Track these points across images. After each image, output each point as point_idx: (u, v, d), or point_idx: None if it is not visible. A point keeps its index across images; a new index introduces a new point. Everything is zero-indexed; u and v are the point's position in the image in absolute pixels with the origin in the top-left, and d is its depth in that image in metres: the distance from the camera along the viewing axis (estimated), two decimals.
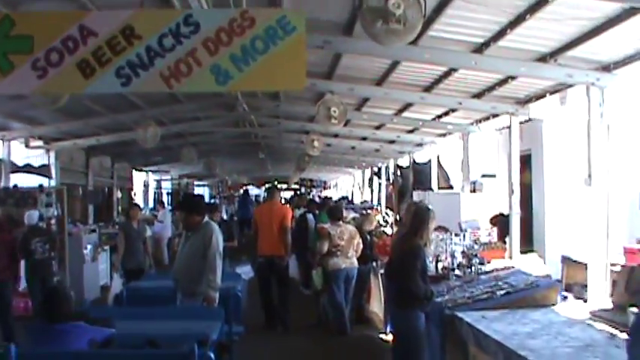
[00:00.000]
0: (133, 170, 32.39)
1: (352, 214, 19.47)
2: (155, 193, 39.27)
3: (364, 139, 23.88)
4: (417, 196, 18.34)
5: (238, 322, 9.87)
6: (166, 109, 18.14)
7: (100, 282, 16.28)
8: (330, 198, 24.07)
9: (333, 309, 12.26)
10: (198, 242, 8.28)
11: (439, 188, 20.89)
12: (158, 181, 39.81)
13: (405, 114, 17.39)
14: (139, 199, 35.04)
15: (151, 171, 36.17)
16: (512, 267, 10.61)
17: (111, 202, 28.41)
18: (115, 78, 6.34)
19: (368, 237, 12.94)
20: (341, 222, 12.41)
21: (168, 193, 43.04)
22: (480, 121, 16.81)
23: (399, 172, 27.45)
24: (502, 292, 8.69)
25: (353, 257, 12.05)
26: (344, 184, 50.14)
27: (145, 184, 36.27)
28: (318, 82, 13.91)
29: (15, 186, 13.69)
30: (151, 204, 37.99)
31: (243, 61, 6.28)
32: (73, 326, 6.13)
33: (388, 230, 17.93)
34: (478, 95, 13.67)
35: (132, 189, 32.03)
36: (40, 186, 13.88)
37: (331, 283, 11.95)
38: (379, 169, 31.79)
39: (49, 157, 20.67)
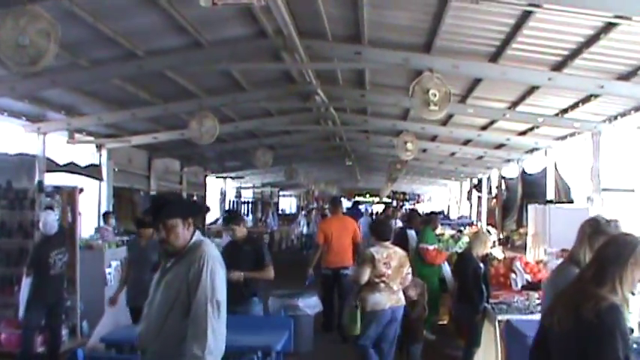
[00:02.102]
0: (207, 176, 29.44)
1: (449, 231, 17.43)
2: (233, 202, 36.43)
3: (466, 142, 20.46)
4: (533, 210, 14.66)
5: None
6: (228, 99, 15.08)
7: None
8: (438, 212, 20.60)
9: None
10: (179, 280, 4.51)
11: (556, 202, 17.11)
12: (237, 189, 36.90)
13: (521, 107, 13.86)
14: (214, 209, 32.42)
15: (229, 177, 33.32)
16: None
17: None
18: None
19: (481, 265, 9.07)
20: (389, 243, 8.75)
21: (248, 203, 40.18)
22: (617, 118, 13.20)
23: (503, 184, 23.90)
24: None
25: (400, 292, 8.54)
26: (438, 197, 46.64)
27: (222, 192, 33.43)
28: (412, 56, 10.82)
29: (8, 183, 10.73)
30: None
31: None
32: None
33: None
34: (626, 76, 10.10)
35: (205, 196, 29.17)
36: (40, 183, 10.89)
37: (369, 326, 8.40)
38: (479, 180, 28.47)
39: (100, 155, 17.93)
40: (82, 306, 10.99)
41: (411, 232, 12.65)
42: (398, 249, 8.76)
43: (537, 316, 7.70)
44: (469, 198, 31.88)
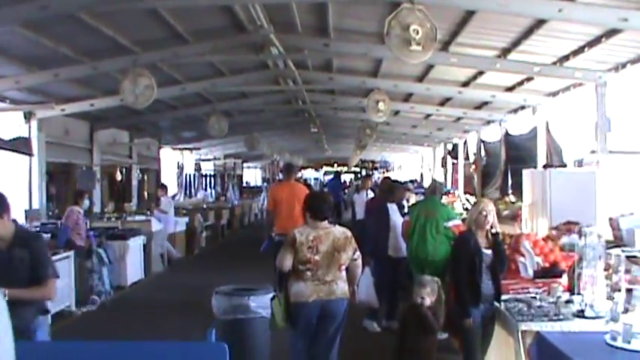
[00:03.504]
0: (162, 148, 27.06)
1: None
2: (192, 176, 34.08)
3: (444, 103, 18.43)
4: (529, 176, 12.60)
5: None
6: (167, 53, 12.79)
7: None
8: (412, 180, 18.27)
9: None
10: None
11: (547, 167, 15.07)
12: (197, 162, 34.44)
13: (514, 55, 11.76)
14: (171, 183, 30.12)
15: (186, 149, 30.89)
16: None
17: (128, 187, 23.23)
18: None
19: (486, 251, 6.75)
20: (325, 222, 6.97)
21: (207, 176, 37.81)
22: (625, 65, 11.46)
23: (482, 148, 21.95)
24: None
25: (336, 283, 6.84)
26: (410, 165, 44.66)
27: (179, 166, 31.04)
28: None
29: None
30: (190, 189, 33.16)
31: None
32: None
33: None
34: None
35: (159, 170, 26.81)
36: None
37: (295, 322, 6.90)
38: (454, 145, 26.53)
39: (29, 127, 15.53)
40: None
41: (392, 206, 10.50)
42: (337, 229, 7.01)
43: (576, 324, 5.73)
44: (444, 165, 29.85)
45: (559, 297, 6.39)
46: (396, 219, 10.33)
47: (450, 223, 9.62)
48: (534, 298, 6.49)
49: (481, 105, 18.39)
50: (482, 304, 6.56)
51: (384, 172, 49.16)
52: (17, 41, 11.06)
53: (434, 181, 12.36)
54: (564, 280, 7.33)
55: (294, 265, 6.81)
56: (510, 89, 15.42)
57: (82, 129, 19.37)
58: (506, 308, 6.19)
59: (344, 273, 6.94)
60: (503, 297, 6.58)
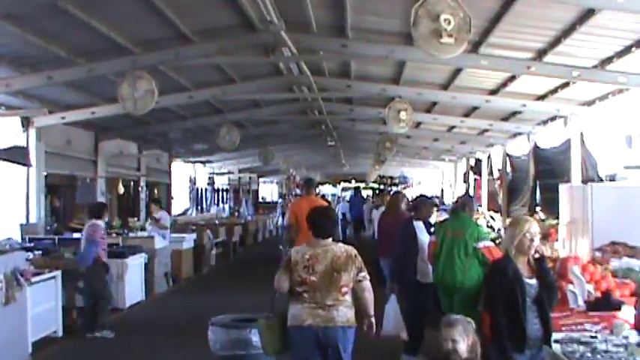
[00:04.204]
0: (173, 161, 26.06)
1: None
2: (204, 190, 33.07)
3: (468, 114, 17.28)
4: (567, 192, 11.43)
5: None
6: (169, 54, 11.74)
7: (29, 338, 9.37)
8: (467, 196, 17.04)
9: None
10: None
11: (587, 181, 13.87)
12: (210, 176, 33.39)
13: (551, 57, 10.63)
14: (182, 198, 29.14)
15: (199, 162, 29.89)
16: None
17: (136, 201, 22.21)
18: None
19: (530, 280, 5.48)
20: (328, 240, 6.28)
21: (221, 190, 36.79)
22: None
23: (508, 163, 20.67)
24: None
25: (337, 308, 6.07)
26: (429, 181, 43.46)
27: (192, 180, 30.02)
28: None
29: None
30: (202, 204, 32.16)
31: None
32: None
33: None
34: None
35: (170, 184, 25.79)
36: None
37: (293, 349, 6.24)
38: (477, 160, 25.30)
39: (27, 135, 14.58)
40: None
41: (419, 224, 9.30)
42: (337, 246, 6.28)
43: None
44: (466, 180, 28.57)
45: (626, 337, 5.21)
46: (424, 239, 9.03)
47: (481, 245, 8.25)
48: (594, 337, 5.30)
49: (508, 116, 17.22)
50: (529, 349, 5.24)
51: (403, 189, 48.01)
52: (2, 38, 10.09)
53: (464, 195, 10.98)
54: (624, 313, 6.17)
55: (291, 287, 6.19)
56: (542, 97, 14.26)
57: (86, 139, 18.45)
58: (563, 353, 4.97)
59: (348, 297, 6.13)
60: (555, 336, 5.38)
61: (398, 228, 9.70)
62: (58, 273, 10.18)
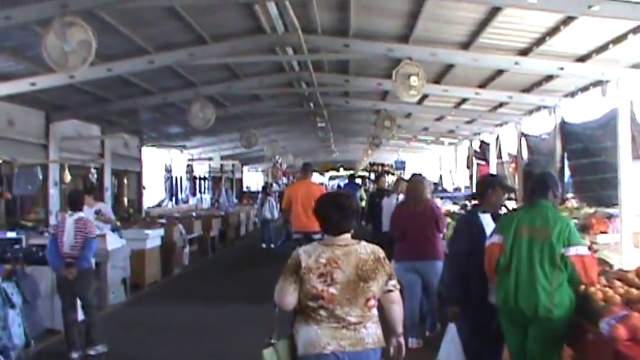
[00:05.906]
0: (144, 146, 23.29)
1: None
2: (181, 179, 30.39)
3: (484, 84, 14.55)
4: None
5: None
6: None
7: None
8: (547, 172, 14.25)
9: None
10: None
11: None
12: (189, 164, 30.60)
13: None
14: (157, 188, 26.42)
15: (173, 147, 27.05)
16: None
17: (100, 192, 19.40)
18: None
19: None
20: (346, 235, 4.75)
21: (203, 179, 34.11)
22: None
23: (524, 144, 18.02)
24: None
25: (365, 326, 4.64)
26: (425, 168, 40.91)
27: (167, 168, 27.25)
28: None
29: None
30: (178, 194, 29.50)
31: None
32: None
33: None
34: None
35: (140, 172, 23.04)
36: None
37: None
38: (482, 142, 22.89)
39: None
40: None
41: (486, 218, 6.53)
42: (362, 247, 4.74)
43: None
44: (469, 165, 25.96)
45: None
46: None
47: (572, 251, 5.46)
48: None
49: (531, 86, 14.50)
50: None
51: (400, 175, 45.54)
52: None
53: (542, 173, 7.38)
54: None
55: (301, 301, 4.70)
56: (583, 59, 11.54)
57: (34, 119, 15.60)
58: None
59: (375, 311, 4.77)
60: None
61: (426, 222, 7.77)
62: None
